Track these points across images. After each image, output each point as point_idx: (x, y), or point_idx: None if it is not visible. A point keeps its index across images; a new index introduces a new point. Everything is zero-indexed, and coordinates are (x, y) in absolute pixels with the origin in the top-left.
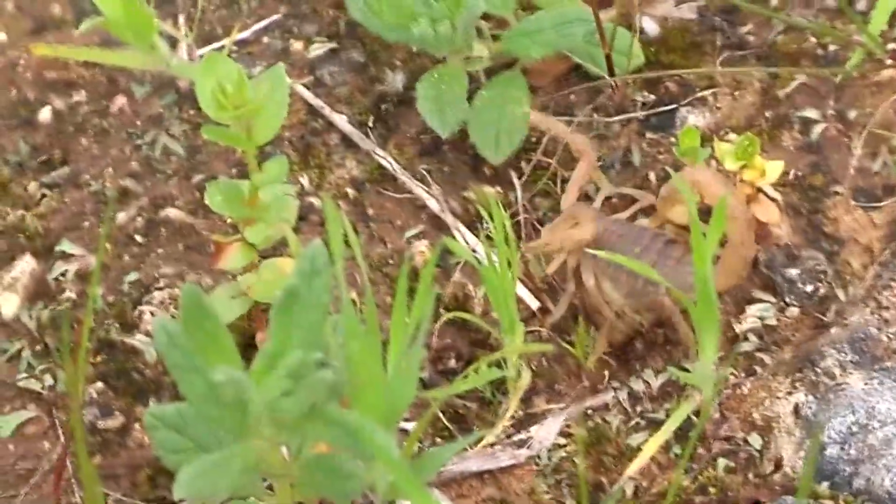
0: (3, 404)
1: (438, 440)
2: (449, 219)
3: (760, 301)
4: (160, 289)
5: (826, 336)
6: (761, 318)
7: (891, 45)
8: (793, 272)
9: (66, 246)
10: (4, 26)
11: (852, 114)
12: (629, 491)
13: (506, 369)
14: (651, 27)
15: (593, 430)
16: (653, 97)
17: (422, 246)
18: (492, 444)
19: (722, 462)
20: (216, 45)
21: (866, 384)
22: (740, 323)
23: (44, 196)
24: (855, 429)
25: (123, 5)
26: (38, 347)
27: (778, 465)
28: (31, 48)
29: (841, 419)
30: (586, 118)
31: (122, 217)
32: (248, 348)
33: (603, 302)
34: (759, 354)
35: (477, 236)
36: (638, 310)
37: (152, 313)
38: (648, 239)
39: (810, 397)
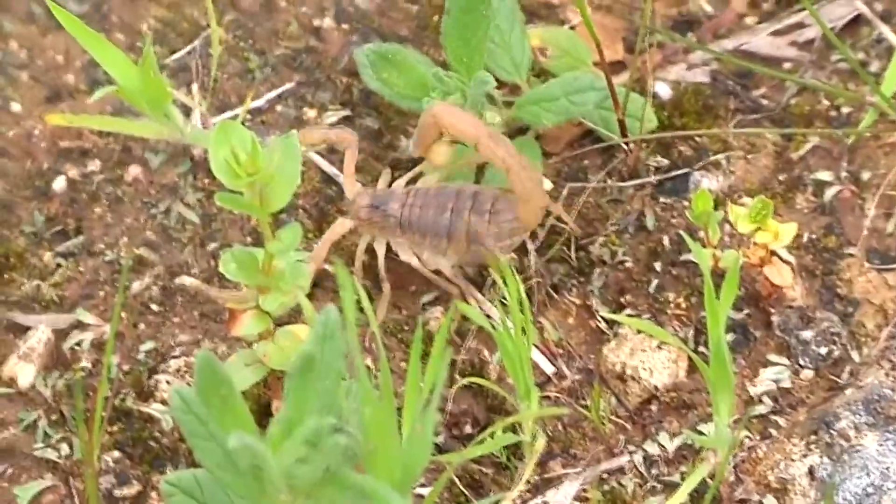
0: (21, 474)
1: None
2: (463, 284)
3: (775, 364)
4: (176, 357)
5: (841, 398)
6: (776, 381)
7: None
8: (807, 334)
9: (81, 314)
10: (19, 96)
11: (866, 175)
12: None
13: (521, 434)
14: (664, 91)
15: (609, 494)
16: (666, 161)
17: (436, 311)
18: None
19: None
20: (230, 113)
21: (881, 445)
22: (755, 385)
23: (59, 266)
24: (870, 490)
25: (138, 74)
26: (54, 416)
27: None
28: (46, 117)
29: (856, 480)
30: (600, 183)
31: (137, 286)
32: (264, 415)
33: (434, 271)
34: (773, 417)
35: (492, 302)
36: (469, 263)
37: (168, 381)
38: (454, 198)
39: (825, 459)
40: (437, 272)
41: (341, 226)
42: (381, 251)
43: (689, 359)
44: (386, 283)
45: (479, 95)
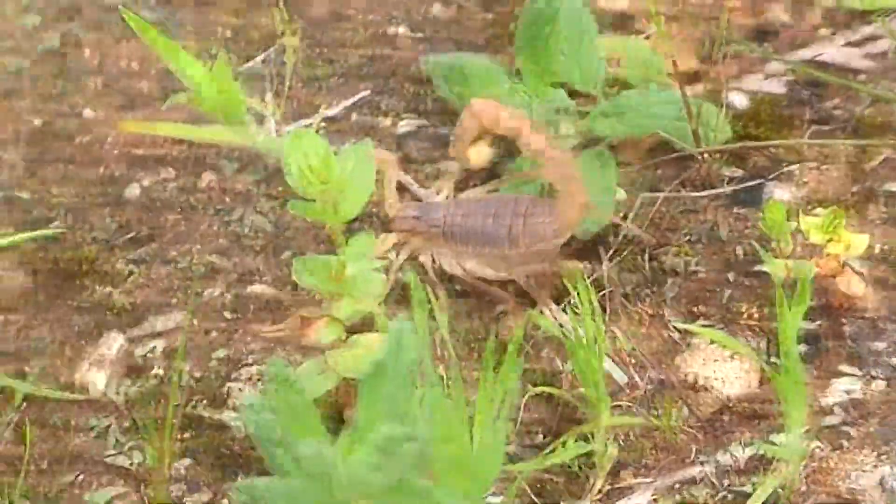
0: (92, 481)
1: None
2: (537, 293)
3: (846, 374)
4: (248, 364)
5: None
6: (847, 392)
7: None
8: (879, 345)
9: (153, 322)
10: (92, 103)
11: None
12: None
13: (593, 443)
14: (739, 101)
15: None
16: (740, 171)
17: (510, 321)
18: None
19: None
20: (304, 121)
21: None
22: (826, 396)
23: (131, 273)
24: None
25: (211, 82)
26: (125, 424)
27: None
28: (119, 125)
29: None
30: (673, 193)
31: (209, 293)
32: (335, 423)
33: (481, 280)
34: (845, 427)
35: (565, 311)
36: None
37: (240, 389)
38: (495, 205)
39: None
40: (483, 280)
41: (384, 242)
42: (427, 261)
43: (762, 369)
44: (441, 290)
45: (551, 111)
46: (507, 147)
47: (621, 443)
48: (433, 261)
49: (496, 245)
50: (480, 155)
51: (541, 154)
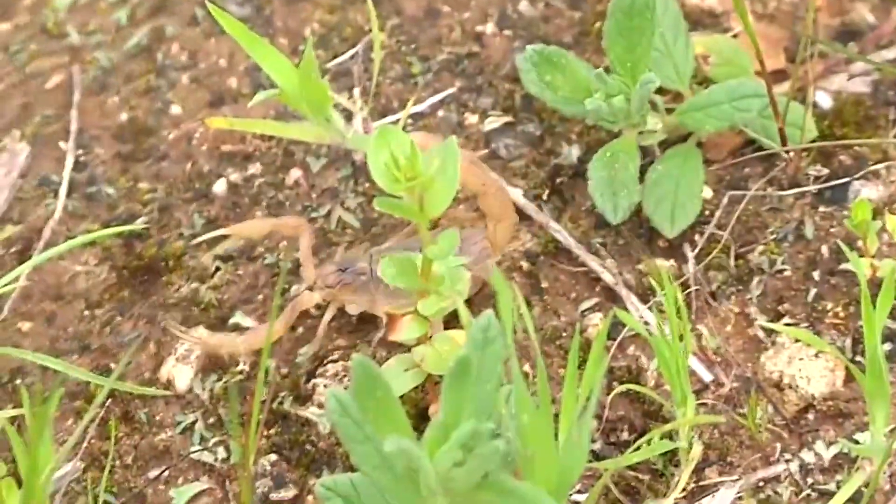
0: (177, 476)
1: None
2: (622, 291)
3: None
4: (334, 361)
5: None
6: None
7: None
8: None
9: (239, 318)
10: (180, 99)
11: None
12: None
13: (678, 441)
14: (825, 101)
15: (765, 502)
16: (826, 171)
17: (595, 318)
18: None
19: None
20: (392, 118)
21: None
22: None
23: (217, 269)
24: None
25: (299, 78)
26: (210, 420)
27: None
28: (207, 121)
29: None
30: (760, 191)
31: (295, 289)
32: (420, 420)
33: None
34: None
35: (650, 309)
36: None
37: (325, 385)
38: (418, 240)
39: None
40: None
41: (308, 298)
42: (355, 311)
43: (846, 368)
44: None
45: (644, 96)
46: None
47: (706, 440)
48: (363, 308)
49: None
50: None
51: (480, 184)
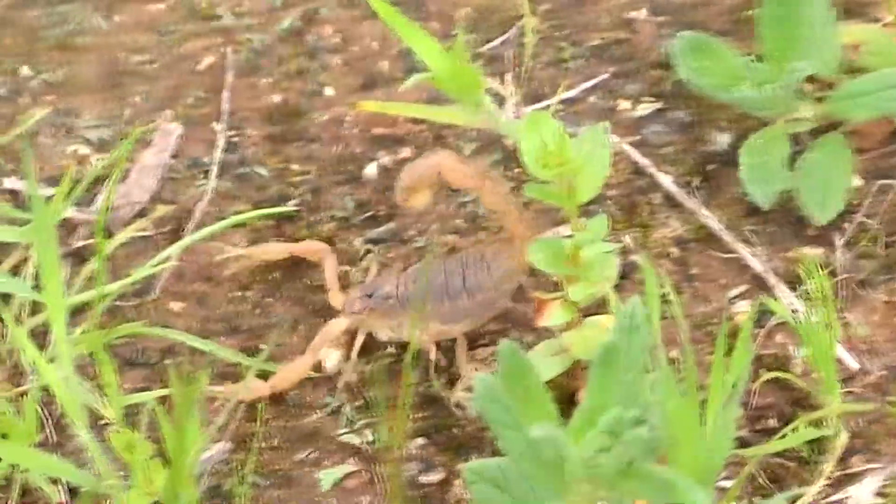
0: (324, 458)
1: (755, 499)
2: (771, 279)
3: None
4: (484, 345)
5: None
6: None
7: None
8: None
9: None
10: (332, 82)
11: None
12: None
13: (824, 429)
14: None
15: None
16: None
17: (743, 305)
18: None
19: None
20: (543, 103)
21: None
22: None
23: (368, 251)
24: None
25: (451, 63)
26: (358, 402)
27: None
28: (359, 104)
29: None
30: None
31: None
32: (567, 405)
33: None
34: None
35: (798, 297)
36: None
37: (475, 369)
38: (443, 263)
39: None
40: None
41: (336, 325)
42: (385, 337)
43: None
44: None
45: (793, 84)
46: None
47: (852, 429)
48: (392, 333)
49: (456, 298)
50: (423, 199)
51: (502, 205)
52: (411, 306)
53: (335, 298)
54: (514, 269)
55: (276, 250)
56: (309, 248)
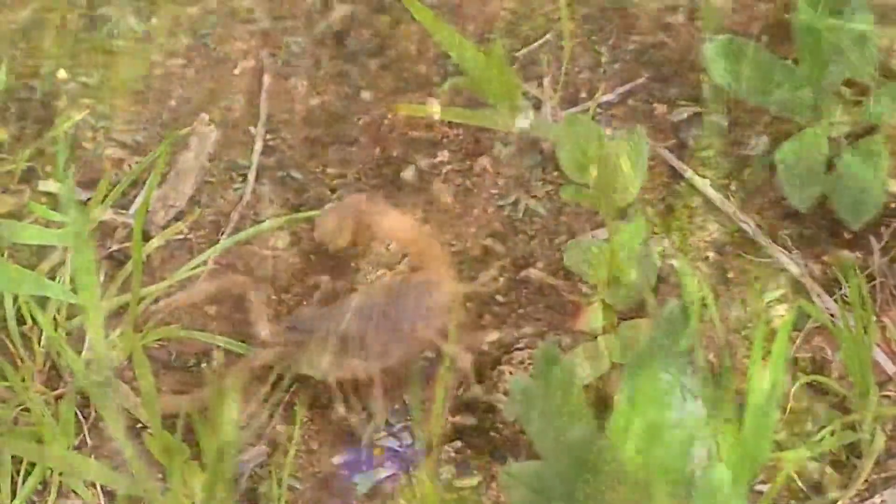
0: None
1: (792, 503)
2: (808, 283)
3: None
4: (520, 349)
5: None
6: None
7: None
8: None
9: None
10: (369, 85)
11: None
12: None
13: (860, 432)
14: None
15: None
16: None
17: (780, 309)
18: None
19: None
20: (580, 107)
21: None
22: None
23: (405, 255)
24: None
25: (488, 66)
26: (396, 405)
27: None
28: (396, 107)
29: None
30: None
31: (482, 277)
32: (604, 408)
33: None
34: None
35: (835, 300)
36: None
37: (511, 372)
38: (379, 295)
39: None
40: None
41: (258, 356)
42: (316, 373)
43: None
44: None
45: (830, 88)
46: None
47: (889, 432)
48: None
49: (397, 329)
50: (343, 240)
51: (432, 256)
52: (352, 337)
53: (261, 330)
54: (442, 306)
55: (201, 292)
56: (235, 281)
